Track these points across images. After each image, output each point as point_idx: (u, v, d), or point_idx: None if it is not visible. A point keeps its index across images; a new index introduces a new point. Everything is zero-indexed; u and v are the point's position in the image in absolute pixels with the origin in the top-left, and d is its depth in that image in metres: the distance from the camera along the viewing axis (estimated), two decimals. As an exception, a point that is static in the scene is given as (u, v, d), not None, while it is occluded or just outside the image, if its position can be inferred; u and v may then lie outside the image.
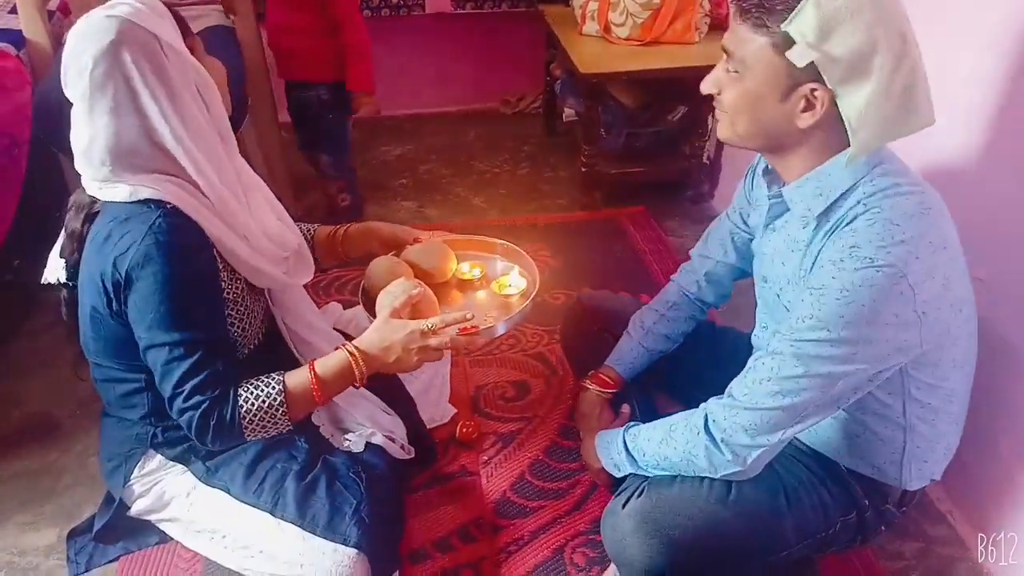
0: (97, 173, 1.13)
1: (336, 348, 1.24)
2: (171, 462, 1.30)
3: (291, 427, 1.21)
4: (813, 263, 1.07)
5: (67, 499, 1.59)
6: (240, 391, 1.16)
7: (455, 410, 1.74)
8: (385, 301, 1.26)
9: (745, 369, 1.09)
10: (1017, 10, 1.27)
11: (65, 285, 1.23)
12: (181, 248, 1.10)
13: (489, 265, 1.50)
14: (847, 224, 1.02)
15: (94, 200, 1.17)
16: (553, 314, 2.01)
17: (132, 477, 1.30)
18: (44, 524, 1.54)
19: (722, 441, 1.08)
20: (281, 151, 2.60)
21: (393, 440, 1.49)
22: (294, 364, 1.32)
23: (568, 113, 3.11)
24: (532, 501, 1.57)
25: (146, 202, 1.11)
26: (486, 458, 1.67)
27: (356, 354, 1.20)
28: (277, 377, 1.19)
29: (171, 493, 1.31)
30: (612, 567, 1.31)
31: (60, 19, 2.29)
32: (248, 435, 1.17)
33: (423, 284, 1.30)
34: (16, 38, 2.10)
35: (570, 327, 1.65)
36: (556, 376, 1.87)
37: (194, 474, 1.30)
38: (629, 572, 1.21)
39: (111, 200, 1.13)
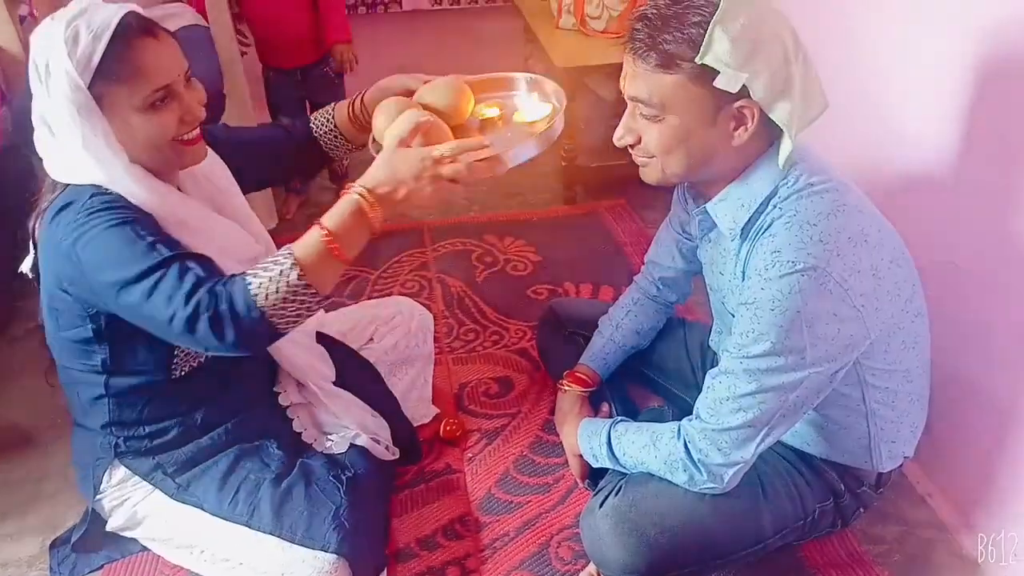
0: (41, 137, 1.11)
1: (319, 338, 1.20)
2: (139, 478, 1.29)
3: (322, 303, 1.06)
4: (744, 271, 1.07)
5: (49, 509, 1.58)
6: (245, 277, 1.02)
7: (438, 410, 1.74)
8: (392, 132, 1.11)
9: (705, 387, 1.10)
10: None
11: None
12: (116, 209, 1.06)
13: (511, 103, 1.34)
14: (766, 229, 1.03)
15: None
16: (536, 309, 2.01)
17: (102, 488, 1.29)
18: (26, 535, 1.53)
19: (699, 462, 1.09)
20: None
21: (378, 442, 1.49)
22: (265, 367, 1.31)
23: (548, 107, 3.10)
24: (517, 497, 1.57)
25: (90, 186, 1.08)
26: (471, 455, 1.67)
27: (365, 193, 1.05)
28: (282, 250, 1.05)
29: (143, 511, 1.30)
30: (591, 564, 1.32)
31: (32, 23, 2.26)
32: (279, 325, 1.02)
33: (433, 115, 1.15)
34: (-13, 46, 2.07)
35: (544, 332, 1.67)
36: (539, 372, 1.88)
37: (164, 492, 1.28)
38: (608, 571, 1.23)
39: (62, 179, 1.11)
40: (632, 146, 1.09)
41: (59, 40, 1.03)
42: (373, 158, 1.12)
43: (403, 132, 1.09)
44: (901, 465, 1.25)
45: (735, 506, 1.16)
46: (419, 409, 1.70)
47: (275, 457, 1.32)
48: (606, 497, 1.21)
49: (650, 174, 1.10)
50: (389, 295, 2.17)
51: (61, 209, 1.09)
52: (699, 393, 1.13)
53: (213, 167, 1.29)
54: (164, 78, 1.09)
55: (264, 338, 1.05)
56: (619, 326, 1.48)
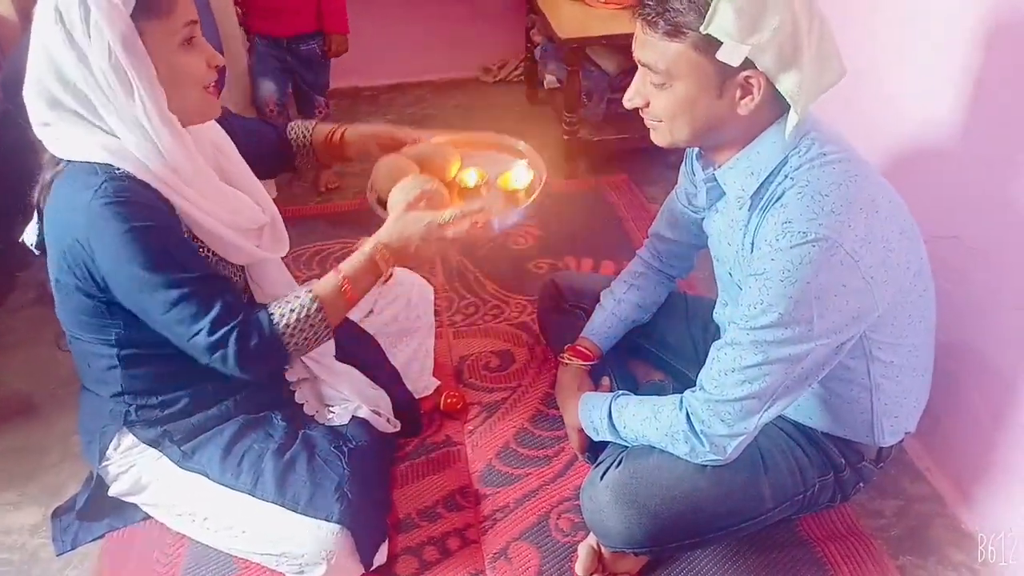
0: (40, 113, 1.08)
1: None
2: (145, 445, 1.29)
3: (331, 335, 1.21)
4: (753, 242, 1.07)
5: (51, 478, 1.59)
6: (269, 309, 1.16)
7: (439, 382, 1.75)
8: (399, 196, 1.27)
9: (710, 359, 1.10)
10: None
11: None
12: (132, 205, 1.06)
13: (492, 164, 1.47)
14: (777, 200, 1.02)
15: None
16: (537, 283, 2.00)
17: (108, 454, 1.29)
18: (28, 503, 1.54)
19: (701, 432, 1.09)
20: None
21: (379, 414, 1.49)
22: None
23: (549, 80, 3.08)
24: (517, 469, 1.58)
25: (97, 165, 1.06)
26: (471, 428, 1.67)
27: (381, 247, 1.20)
28: (303, 288, 1.19)
29: (148, 478, 1.31)
30: (591, 535, 1.33)
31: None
32: (291, 349, 1.16)
33: (435, 179, 1.31)
34: (-20, 11, 2.04)
35: (545, 306, 1.67)
36: (540, 345, 1.88)
37: (170, 459, 1.29)
38: (608, 542, 1.23)
39: (65, 157, 1.09)
40: (641, 109, 1.08)
41: None
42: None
43: (410, 197, 1.26)
44: (902, 440, 1.25)
45: (735, 478, 1.16)
46: (420, 381, 1.70)
47: (279, 428, 1.32)
48: (607, 469, 1.21)
49: (659, 137, 1.11)
50: (390, 268, 2.17)
51: (70, 189, 1.07)
52: (700, 367, 1.12)
53: (222, 137, 1.29)
54: (191, 12, 1.10)
55: (275, 364, 1.21)
56: (621, 300, 1.47)
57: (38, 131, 1.10)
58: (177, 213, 1.13)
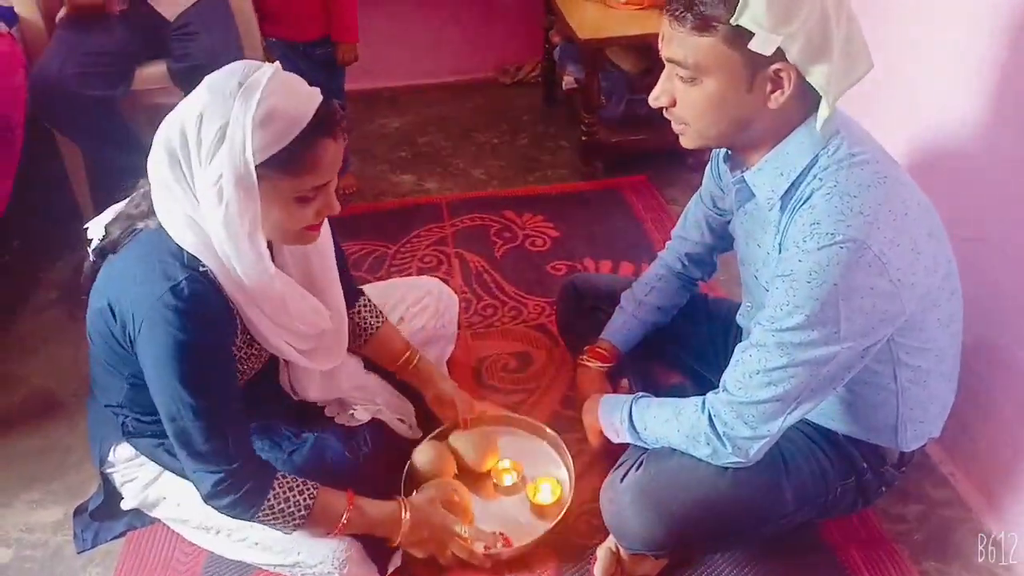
0: (159, 173, 1.07)
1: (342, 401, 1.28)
2: (144, 458, 1.30)
3: (289, 530, 1.21)
4: (781, 243, 1.06)
5: (73, 477, 1.60)
6: (270, 491, 1.16)
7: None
8: (428, 493, 1.36)
9: (734, 360, 1.09)
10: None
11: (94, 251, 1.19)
12: (198, 319, 1.06)
13: (529, 457, 1.54)
14: (806, 201, 1.01)
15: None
16: (555, 285, 2.00)
17: (108, 462, 1.31)
18: (51, 502, 1.56)
19: (724, 435, 1.08)
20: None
21: (403, 421, 1.50)
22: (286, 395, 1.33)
23: (568, 81, 3.06)
24: (535, 471, 1.57)
25: (185, 252, 1.07)
26: (489, 430, 1.67)
27: (406, 504, 1.27)
28: (311, 491, 1.19)
29: (156, 495, 1.32)
30: (610, 538, 1.32)
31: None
32: (258, 518, 1.17)
33: (461, 490, 1.41)
34: (7, 15, 2.07)
35: (564, 307, 1.66)
36: (558, 347, 1.87)
37: (172, 471, 1.29)
38: (628, 544, 1.23)
39: (159, 217, 1.09)
40: (667, 109, 1.07)
41: (246, 113, 0.98)
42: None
43: (435, 496, 1.34)
44: (924, 444, 1.23)
45: (756, 482, 1.15)
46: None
47: (285, 436, 1.32)
48: (627, 471, 1.20)
49: (688, 140, 1.09)
50: (407, 270, 2.17)
51: (147, 267, 1.07)
52: (720, 370, 1.12)
53: (324, 235, 1.26)
54: (327, 177, 1.08)
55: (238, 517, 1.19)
56: (641, 302, 1.46)
57: (156, 173, 1.08)
58: (237, 314, 1.14)
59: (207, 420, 1.09)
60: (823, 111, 0.97)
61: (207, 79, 1.04)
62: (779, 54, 0.93)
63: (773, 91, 0.98)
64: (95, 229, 1.18)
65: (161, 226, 1.09)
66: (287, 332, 1.21)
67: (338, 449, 1.32)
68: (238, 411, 1.16)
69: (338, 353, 1.35)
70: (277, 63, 1.08)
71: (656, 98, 1.06)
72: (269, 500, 1.15)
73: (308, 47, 2.39)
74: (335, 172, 1.10)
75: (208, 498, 1.14)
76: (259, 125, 0.99)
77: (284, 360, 1.32)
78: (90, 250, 1.18)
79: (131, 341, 1.09)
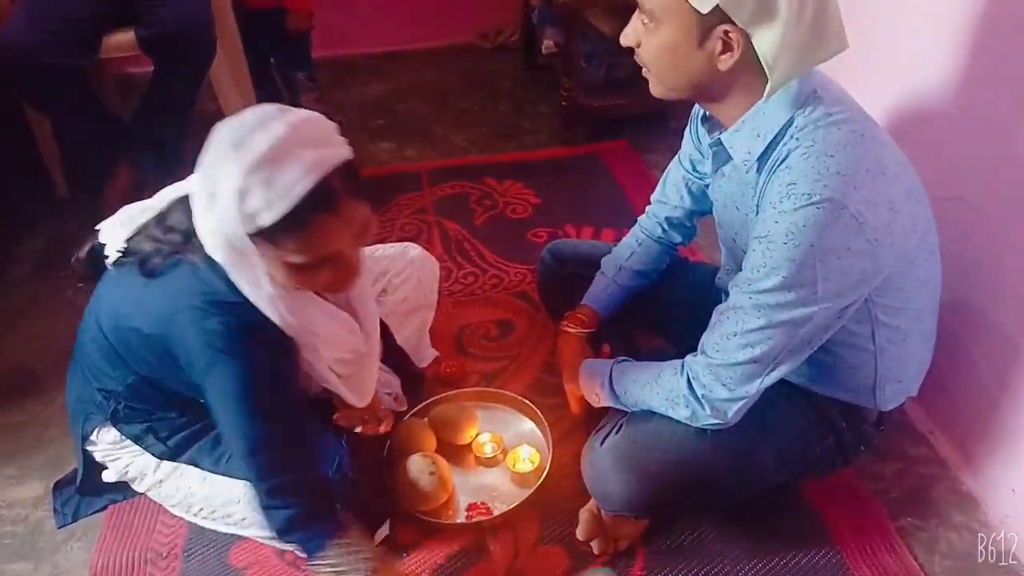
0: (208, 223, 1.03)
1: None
2: (129, 441, 1.28)
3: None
4: (759, 204, 1.05)
5: (52, 451, 1.59)
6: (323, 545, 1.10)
7: (437, 352, 1.74)
8: (413, 471, 1.38)
9: (712, 323, 1.09)
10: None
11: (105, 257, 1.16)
12: (258, 346, 1.06)
13: (508, 427, 1.57)
14: (783, 161, 1.00)
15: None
16: (536, 252, 1.99)
17: (91, 440, 1.29)
18: (30, 476, 1.54)
19: (702, 397, 1.08)
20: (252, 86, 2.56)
21: (389, 393, 1.49)
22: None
23: (547, 45, 3.02)
24: (518, 437, 1.58)
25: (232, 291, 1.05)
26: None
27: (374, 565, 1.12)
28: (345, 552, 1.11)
29: (135, 472, 1.31)
30: (592, 501, 1.33)
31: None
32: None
33: (440, 463, 1.41)
34: (-33, -19, 2.01)
35: (545, 274, 1.65)
36: (540, 314, 1.87)
37: (155, 455, 1.28)
38: (609, 506, 1.23)
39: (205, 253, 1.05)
40: (636, 54, 1.06)
41: (231, 185, 0.93)
42: None
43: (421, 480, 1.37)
44: (903, 404, 1.24)
45: (736, 443, 1.15)
46: (419, 352, 1.70)
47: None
48: (607, 435, 1.21)
49: (653, 87, 1.09)
50: (388, 240, 2.15)
51: (200, 310, 1.04)
52: (701, 333, 1.11)
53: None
54: (330, 250, 1.02)
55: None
56: (622, 267, 1.46)
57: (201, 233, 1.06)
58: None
59: (279, 447, 1.09)
60: (770, 83, 0.96)
61: (218, 126, 0.98)
62: (728, 17, 0.92)
63: (722, 52, 0.97)
64: (109, 234, 1.15)
65: (208, 257, 1.05)
66: (328, 358, 1.20)
67: (320, 426, 1.31)
68: (303, 431, 1.15)
69: (367, 390, 1.33)
70: (315, 113, 1.02)
71: (625, 36, 1.06)
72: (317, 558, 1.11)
73: (263, 15, 2.33)
74: (343, 243, 1.03)
75: (280, 534, 1.12)
76: (241, 197, 0.94)
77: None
78: (108, 262, 1.15)
79: (184, 369, 1.08)
